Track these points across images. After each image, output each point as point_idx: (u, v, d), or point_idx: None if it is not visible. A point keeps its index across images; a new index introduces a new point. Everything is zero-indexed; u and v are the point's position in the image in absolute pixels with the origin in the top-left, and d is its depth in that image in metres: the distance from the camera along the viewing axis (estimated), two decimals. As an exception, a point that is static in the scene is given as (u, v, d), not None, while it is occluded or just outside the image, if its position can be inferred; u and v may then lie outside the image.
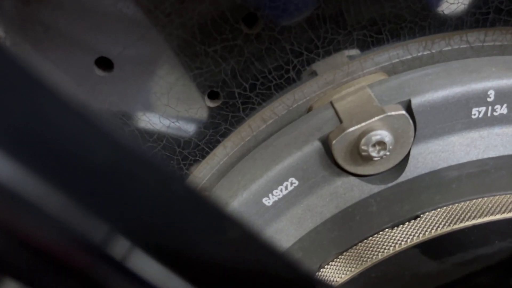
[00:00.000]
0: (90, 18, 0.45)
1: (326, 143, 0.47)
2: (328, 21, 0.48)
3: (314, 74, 0.53)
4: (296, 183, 0.49)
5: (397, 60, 0.50)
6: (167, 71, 0.49)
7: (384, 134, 0.45)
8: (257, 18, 0.47)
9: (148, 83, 0.49)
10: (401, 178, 0.48)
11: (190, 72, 0.49)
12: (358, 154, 0.46)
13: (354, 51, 0.54)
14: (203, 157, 0.54)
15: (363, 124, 0.45)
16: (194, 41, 0.47)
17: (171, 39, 0.47)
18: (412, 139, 0.47)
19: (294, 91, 0.52)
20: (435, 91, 0.46)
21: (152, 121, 0.51)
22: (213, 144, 0.54)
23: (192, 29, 0.47)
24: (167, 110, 0.50)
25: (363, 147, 0.45)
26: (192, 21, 0.46)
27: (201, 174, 0.54)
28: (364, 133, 0.45)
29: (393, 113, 0.45)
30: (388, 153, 0.46)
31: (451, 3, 0.49)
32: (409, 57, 0.50)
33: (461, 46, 0.51)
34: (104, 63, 0.48)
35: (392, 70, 0.51)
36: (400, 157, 0.47)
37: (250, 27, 0.48)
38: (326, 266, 0.50)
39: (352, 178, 0.48)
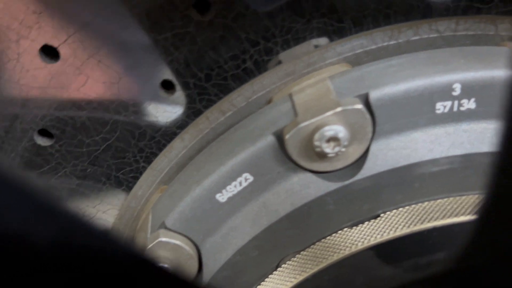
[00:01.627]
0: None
1: (280, 138, 0.45)
2: (284, 9, 0.45)
3: (279, 63, 0.51)
4: (251, 178, 0.47)
5: (361, 50, 0.48)
6: (114, 60, 0.46)
7: (338, 130, 0.42)
8: (209, 4, 0.45)
9: (95, 72, 0.47)
10: (360, 176, 0.45)
11: (140, 61, 0.47)
12: (312, 150, 0.44)
13: (323, 40, 0.51)
14: (160, 149, 0.52)
15: (317, 118, 0.43)
16: (142, 29, 0.45)
17: (117, 26, 0.45)
18: (370, 134, 0.44)
19: (253, 82, 0.49)
20: (395, 84, 0.43)
21: (103, 111, 0.49)
22: (170, 136, 0.51)
23: (139, 16, 0.45)
24: (118, 101, 0.48)
25: (316, 143, 0.43)
26: (138, 8, 0.44)
27: (159, 167, 0.52)
28: (317, 127, 0.43)
29: (348, 107, 0.42)
30: (343, 149, 0.43)
31: (419, -10, 0.46)
32: (374, 47, 0.47)
33: (431, 36, 0.47)
34: (50, 53, 0.46)
35: (356, 61, 0.48)
36: (358, 154, 0.45)
37: (203, 14, 0.45)
38: (283, 266, 0.48)
39: (308, 175, 0.46)
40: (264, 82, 0.49)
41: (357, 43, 0.47)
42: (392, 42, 0.47)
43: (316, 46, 0.51)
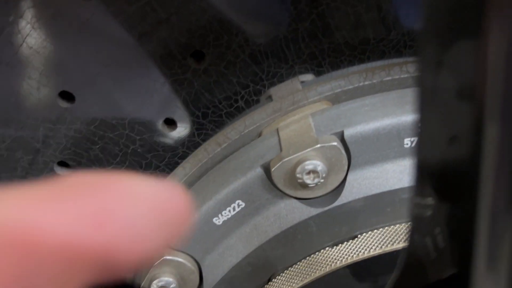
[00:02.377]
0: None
1: (268, 169, 0.51)
2: (270, 56, 0.52)
3: (269, 98, 0.57)
4: (243, 204, 0.53)
5: (339, 90, 0.54)
6: (123, 103, 0.53)
7: (317, 164, 0.49)
8: (204, 54, 0.51)
9: (108, 113, 0.54)
10: (338, 202, 0.52)
11: (146, 102, 0.54)
12: (295, 181, 0.50)
13: (308, 76, 0.57)
14: (164, 177, 0.59)
15: (299, 154, 0.49)
16: (147, 76, 0.52)
17: (125, 75, 0.52)
18: (346, 167, 0.50)
19: (245, 118, 0.56)
20: (366, 123, 0.50)
21: (114, 145, 0.56)
22: (172, 165, 0.58)
23: (145, 65, 0.51)
24: (127, 136, 0.55)
25: (298, 175, 0.49)
26: (143, 58, 0.51)
27: (164, 192, 0.59)
28: (299, 162, 0.49)
29: (326, 144, 0.49)
30: (322, 180, 0.50)
31: (390, 39, 0.52)
32: (350, 87, 0.53)
33: (402, 76, 0.53)
34: (67, 96, 0.53)
35: (335, 99, 0.54)
36: (336, 183, 0.51)
37: (199, 62, 0.52)
38: (273, 280, 0.55)
39: (293, 201, 0.52)
40: (255, 117, 0.56)
41: (336, 84, 0.54)
42: (367, 83, 0.53)
43: (302, 82, 0.58)
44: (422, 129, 0.27)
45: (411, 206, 0.29)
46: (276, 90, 0.57)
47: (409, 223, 0.48)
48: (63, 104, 0.53)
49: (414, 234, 0.29)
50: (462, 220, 0.30)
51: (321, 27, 0.50)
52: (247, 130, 0.56)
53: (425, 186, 0.29)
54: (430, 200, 0.31)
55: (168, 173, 0.59)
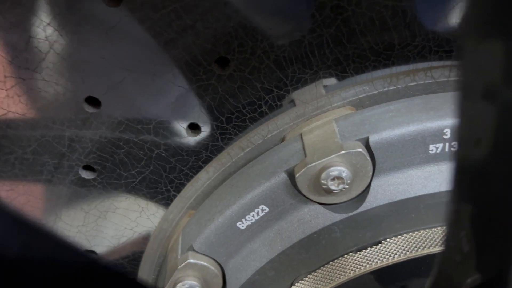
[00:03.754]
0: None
1: (292, 175, 0.51)
2: (294, 62, 0.52)
3: (292, 102, 0.57)
4: (267, 209, 0.54)
5: (363, 95, 0.54)
6: (149, 108, 0.54)
7: (342, 170, 0.49)
8: (228, 60, 0.51)
9: (133, 118, 0.54)
10: (362, 208, 0.52)
11: (171, 108, 0.54)
12: (320, 186, 0.50)
13: (332, 80, 0.57)
14: (188, 180, 0.59)
15: (323, 160, 0.49)
16: (172, 82, 0.52)
17: (151, 80, 0.52)
18: (371, 173, 0.50)
19: (268, 123, 0.56)
20: (392, 129, 0.49)
21: (139, 149, 0.56)
22: (196, 169, 0.59)
23: (171, 71, 0.52)
24: (152, 140, 0.56)
25: (323, 181, 0.49)
26: (170, 65, 0.51)
27: (187, 195, 0.60)
28: (324, 168, 0.49)
29: (351, 150, 0.49)
30: (347, 186, 0.50)
31: (415, 44, 0.52)
32: (375, 92, 0.53)
33: (426, 82, 0.53)
34: (93, 101, 0.54)
35: (359, 104, 0.54)
36: (361, 189, 0.51)
37: (223, 68, 0.52)
38: (296, 284, 0.55)
39: (317, 206, 0.52)
40: (278, 122, 0.56)
41: (360, 89, 0.53)
42: (391, 88, 0.53)
43: (325, 86, 0.57)
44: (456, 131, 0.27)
45: (448, 212, 0.29)
46: (299, 94, 0.57)
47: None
48: (89, 109, 0.54)
49: (450, 239, 0.29)
50: (487, 223, 0.30)
51: (346, 32, 0.50)
52: (270, 135, 0.56)
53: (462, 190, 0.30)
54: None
55: (192, 176, 0.59)
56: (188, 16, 0.47)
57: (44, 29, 0.49)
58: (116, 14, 0.48)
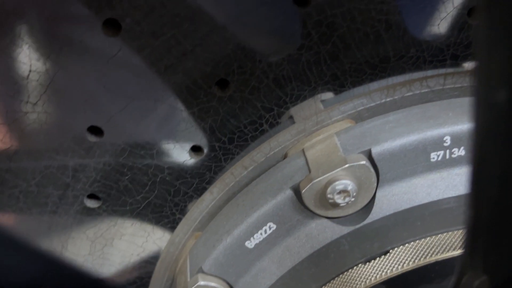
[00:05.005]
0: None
1: (297, 191, 0.52)
2: (293, 80, 0.53)
3: (291, 118, 0.58)
4: (274, 227, 0.54)
5: (362, 108, 0.55)
6: (152, 133, 0.54)
7: (347, 183, 0.49)
8: (228, 82, 0.52)
9: (136, 144, 0.55)
10: (369, 219, 0.52)
11: (173, 131, 0.55)
12: (326, 201, 0.51)
13: (329, 94, 0.58)
14: (193, 202, 0.60)
15: (328, 174, 0.50)
16: (173, 106, 0.53)
17: (153, 105, 0.53)
18: (375, 184, 0.51)
19: (270, 140, 0.56)
20: (393, 140, 0.50)
21: (143, 175, 0.57)
22: (200, 191, 0.59)
23: (171, 95, 0.52)
24: (155, 165, 0.56)
25: (329, 195, 0.50)
26: (170, 89, 0.52)
27: (193, 217, 0.60)
28: (329, 182, 0.50)
29: (354, 163, 0.50)
30: (353, 199, 0.50)
31: (409, 56, 0.53)
32: (373, 104, 0.54)
33: (422, 91, 0.54)
34: (95, 131, 0.54)
35: (358, 116, 0.55)
36: (366, 201, 0.52)
37: (224, 90, 0.53)
38: (307, 299, 0.55)
39: (324, 220, 0.53)
40: (280, 139, 0.56)
41: (358, 102, 0.54)
42: (388, 99, 0.54)
43: (322, 101, 0.58)
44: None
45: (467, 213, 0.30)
46: (297, 110, 0.57)
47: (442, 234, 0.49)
48: (92, 138, 0.54)
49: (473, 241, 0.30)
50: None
51: (342, 48, 0.51)
52: (272, 152, 0.57)
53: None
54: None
55: (196, 198, 0.60)
56: (187, 42, 0.48)
57: (45, 62, 0.49)
58: (115, 44, 0.48)
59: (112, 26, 0.47)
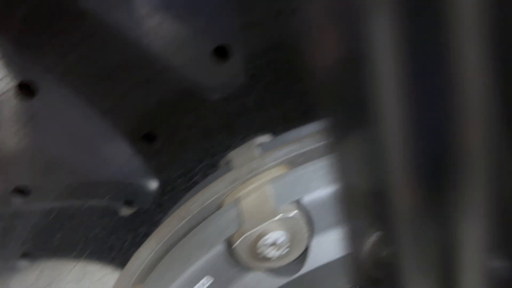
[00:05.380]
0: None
1: (230, 245, 0.51)
2: (222, 130, 0.52)
3: (230, 163, 0.57)
4: (212, 280, 0.53)
5: (295, 153, 0.54)
6: (80, 189, 0.53)
7: (277, 236, 0.48)
8: (155, 135, 0.51)
9: (64, 202, 0.53)
10: (304, 270, 0.51)
11: (101, 187, 0.53)
12: (258, 254, 0.50)
13: (265, 138, 0.57)
14: (129, 257, 0.58)
15: (259, 227, 0.49)
16: (102, 161, 0.51)
17: (82, 161, 0.51)
18: (307, 234, 0.50)
19: (204, 190, 0.55)
20: (324, 187, 0.50)
21: (74, 233, 0.55)
22: (136, 245, 0.57)
23: (99, 153, 0.51)
24: (87, 222, 0.55)
25: (260, 249, 0.49)
26: (97, 146, 0.50)
27: (131, 271, 0.58)
28: (260, 235, 0.49)
29: (285, 215, 0.49)
30: (287, 250, 0.49)
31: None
32: (305, 150, 0.54)
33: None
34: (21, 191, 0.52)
35: (292, 162, 0.54)
36: (300, 251, 0.51)
37: (151, 143, 0.52)
38: None
39: (259, 273, 0.52)
40: (215, 188, 0.55)
41: (291, 148, 0.54)
42: (320, 144, 0.54)
43: (259, 145, 0.58)
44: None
45: None
46: (236, 154, 0.57)
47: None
48: (18, 200, 0.52)
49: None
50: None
51: (268, 98, 0.50)
52: (207, 202, 0.56)
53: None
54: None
55: (132, 253, 0.58)
56: (105, 101, 0.47)
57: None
58: (32, 106, 0.47)
59: (27, 89, 0.46)
